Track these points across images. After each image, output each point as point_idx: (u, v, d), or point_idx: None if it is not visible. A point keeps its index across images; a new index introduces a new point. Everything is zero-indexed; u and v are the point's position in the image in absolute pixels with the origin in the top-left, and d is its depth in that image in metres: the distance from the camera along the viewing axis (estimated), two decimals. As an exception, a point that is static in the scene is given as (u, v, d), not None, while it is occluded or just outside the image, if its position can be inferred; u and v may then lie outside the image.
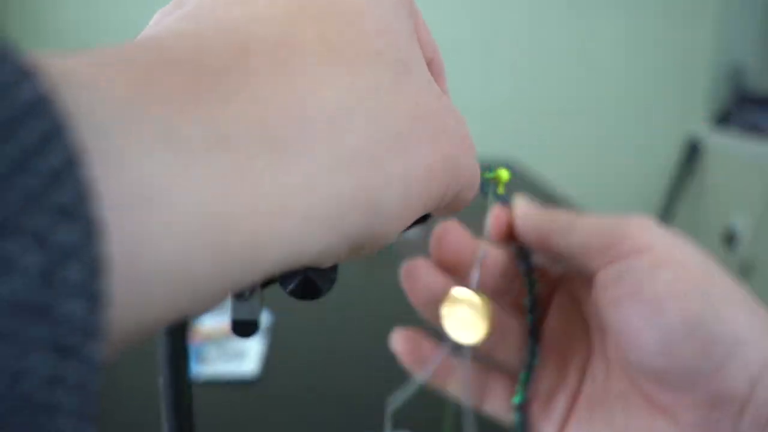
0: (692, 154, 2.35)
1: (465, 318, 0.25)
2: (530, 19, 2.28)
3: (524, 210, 0.27)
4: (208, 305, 0.11)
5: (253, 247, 0.11)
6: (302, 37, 0.14)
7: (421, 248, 0.96)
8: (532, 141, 2.35)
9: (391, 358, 0.66)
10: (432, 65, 0.21)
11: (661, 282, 0.22)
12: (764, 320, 0.22)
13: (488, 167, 0.24)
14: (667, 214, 2.35)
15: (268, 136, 0.12)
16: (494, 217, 0.28)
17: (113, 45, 0.12)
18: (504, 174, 0.24)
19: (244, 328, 0.24)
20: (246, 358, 0.61)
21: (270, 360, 0.61)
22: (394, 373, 0.62)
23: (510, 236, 0.28)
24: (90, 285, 0.08)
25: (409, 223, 0.16)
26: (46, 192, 0.08)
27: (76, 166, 0.09)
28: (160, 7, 0.16)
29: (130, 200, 0.09)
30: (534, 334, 0.27)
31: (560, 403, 0.27)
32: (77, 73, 0.10)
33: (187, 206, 0.10)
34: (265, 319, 0.68)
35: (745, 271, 2.03)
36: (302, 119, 0.13)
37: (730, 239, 2.11)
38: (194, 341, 0.64)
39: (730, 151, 2.18)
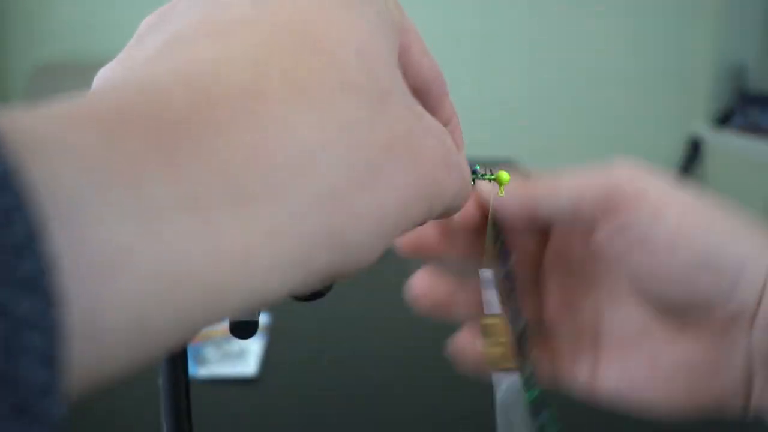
0: (693, 153, 2.35)
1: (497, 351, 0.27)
2: (530, 18, 2.28)
3: (506, 190, 0.26)
4: (172, 349, 0.12)
5: (216, 299, 0.12)
6: (270, 77, 0.14)
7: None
8: (532, 141, 2.34)
9: (390, 358, 0.66)
10: (432, 88, 0.20)
11: (664, 229, 0.24)
12: (763, 235, 0.24)
13: (489, 168, 0.24)
14: (667, 213, 2.34)
15: (232, 191, 0.12)
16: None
17: (80, 97, 0.12)
18: (504, 176, 0.24)
19: (243, 328, 0.24)
20: (245, 358, 0.61)
21: (269, 360, 0.61)
22: (395, 372, 0.62)
23: (478, 220, 0.27)
24: (48, 350, 0.09)
25: (385, 248, 0.16)
26: (9, 266, 0.09)
27: (37, 241, 0.09)
28: (152, 9, 0.16)
29: (91, 269, 0.10)
30: (513, 303, 0.27)
31: (585, 352, 0.28)
32: (45, 135, 0.10)
33: (148, 269, 0.11)
34: (264, 319, 0.68)
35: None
36: (267, 170, 0.13)
37: (731, 239, 2.11)
38: (194, 341, 0.64)
39: (731, 150, 2.18)
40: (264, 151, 0.13)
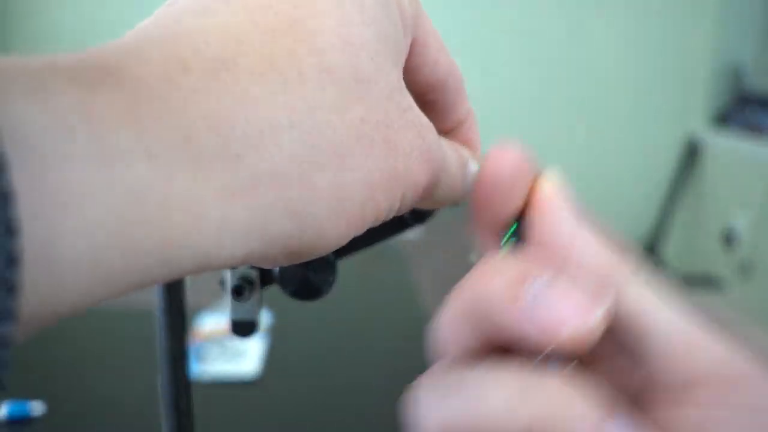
0: (692, 154, 2.35)
1: None
2: (530, 19, 2.28)
3: None
4: (127, 293, 0.13)
5: (165, 251, 0.13)
6: (245, 52, 0.15)
7: (421, 248, 0.96)
8: (531, 141, 2.34)
9: (391, 357, 0.66)
10: (449, 82, 0.21)
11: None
12: None
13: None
14: (667, 214, 2.35)
15: (191, 151, 0.13)
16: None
17: (68, 53, 0.13)
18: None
19: (243, 328, 0.24)
20: (246, 358, 0.61)
21: (270, 360, 0.61)
22: (395, 372, 0.62)
23: None
24: (3, 274, 0.10)
25: (354, 232, 0.17)
26: None
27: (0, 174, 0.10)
28: (152, 9, 0.17)
29: (47, 204, 0.11)
30: None
31: None
32: (17, 78, 0.11)
33: (99, 212, 0.12)
34: (265, 319, 0.68)
35: (744, 271, 2.03)
36: (227, 136, 0.14)
37: (729, 239, 2.11)
38: (194, 341, 0.64)
39: (730, 151, 2.18)
40: (225, 120, 0.14)
